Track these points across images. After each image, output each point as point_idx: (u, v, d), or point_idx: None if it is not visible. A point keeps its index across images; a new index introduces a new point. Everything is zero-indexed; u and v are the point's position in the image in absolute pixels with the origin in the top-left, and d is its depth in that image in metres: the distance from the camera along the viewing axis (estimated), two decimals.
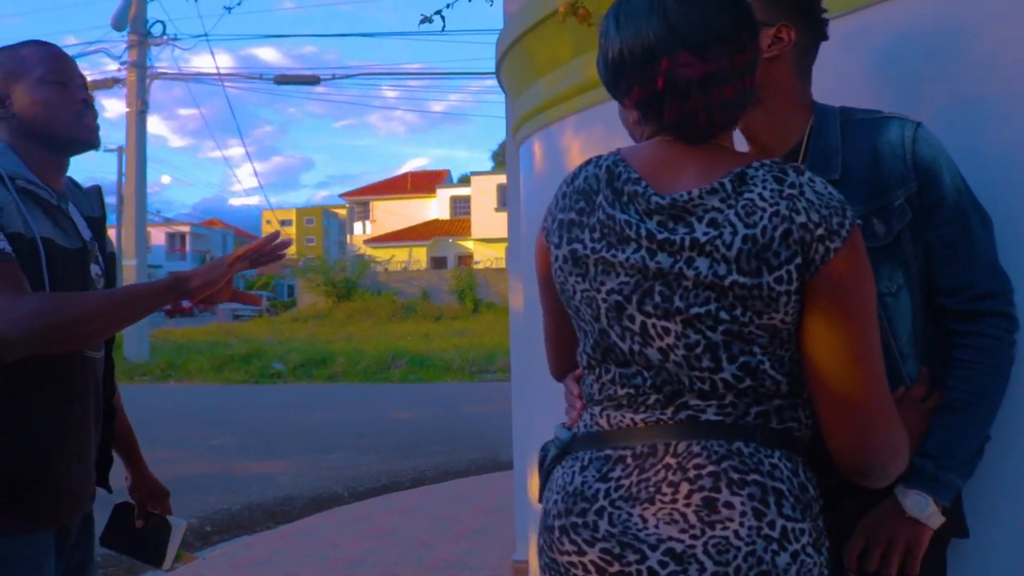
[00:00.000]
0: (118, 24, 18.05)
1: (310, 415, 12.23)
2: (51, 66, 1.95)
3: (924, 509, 1.48)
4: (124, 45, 18.57)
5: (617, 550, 1.24)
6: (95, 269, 2.01)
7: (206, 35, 17.67)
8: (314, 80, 18.85)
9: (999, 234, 1.58)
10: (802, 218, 1.20)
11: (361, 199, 54.88)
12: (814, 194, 1.22)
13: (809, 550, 1.22)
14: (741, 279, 1.20)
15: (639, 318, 1.27)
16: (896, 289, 1.58)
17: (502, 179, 43.81)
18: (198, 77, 20.90)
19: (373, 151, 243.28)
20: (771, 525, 1.20)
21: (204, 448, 8.94)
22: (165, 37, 18.82)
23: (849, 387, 1.23)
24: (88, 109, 1.99)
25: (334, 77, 18.88)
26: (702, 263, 1.22)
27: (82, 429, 1.94)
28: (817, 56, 1.71)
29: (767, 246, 1.20)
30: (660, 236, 1.25)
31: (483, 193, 43.48)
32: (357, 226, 54.61)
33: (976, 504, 1.62)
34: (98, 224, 2.08)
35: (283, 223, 75.46)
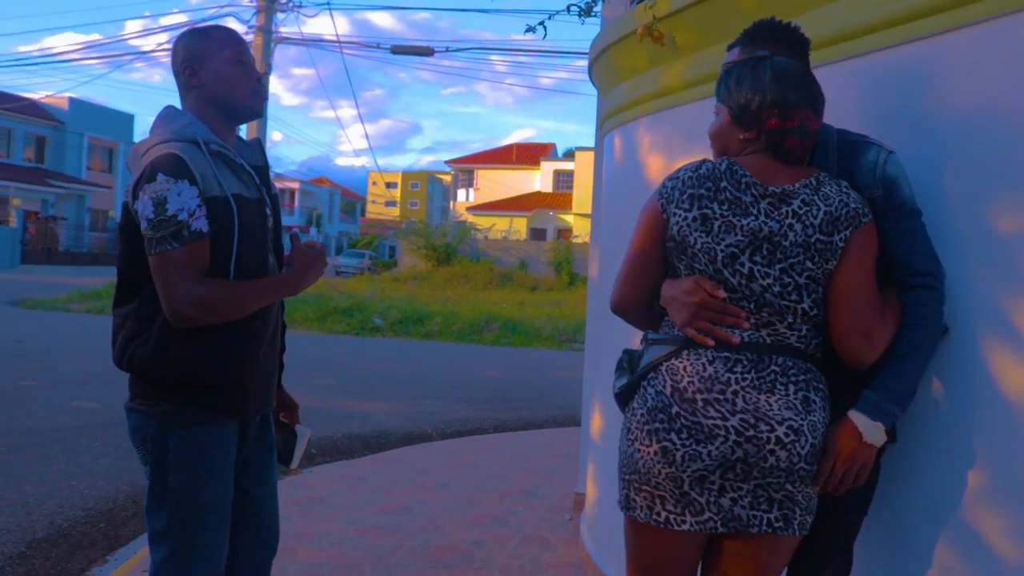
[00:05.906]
0: None
1: (406, 366, 13.00)
2: (236, 48, 2.30)
3: (877, 435, 1.98)
4: (253, 9, 19.42)
5: (752, 420, 1.89)
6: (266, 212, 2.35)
7: (328, 3, 18.36)
8: (428, 51, 19.40)
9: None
10: (853, 204, 1.95)
11: (466, 167, 55.65)
12: (856, 193, 1.99)
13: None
14: (822, 237, 1.92)
15: (748, 264, 1.93)
16: None
17: None
18: (318, 43, 21.68)
19: (480, 119, 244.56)
20: (823, 413, 1.96)
21: (310, 387, 9.71)
22: (291, 3, 19.69)
23: (859, 298, 1.94)
24: (261, 86, 2.36)
25: (448, 50, 19.46)
26: (798, 227, 1.91)
27: (268, 345, 2.35)
28: None
29: (838, 218, 1.93)
30: (773, 212, 1.93)
31: (586, 168, 43.45)
32: (460, 193, 55.42)
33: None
34: (263, 172, 2.40)
35: (389, 185, 76.90)
